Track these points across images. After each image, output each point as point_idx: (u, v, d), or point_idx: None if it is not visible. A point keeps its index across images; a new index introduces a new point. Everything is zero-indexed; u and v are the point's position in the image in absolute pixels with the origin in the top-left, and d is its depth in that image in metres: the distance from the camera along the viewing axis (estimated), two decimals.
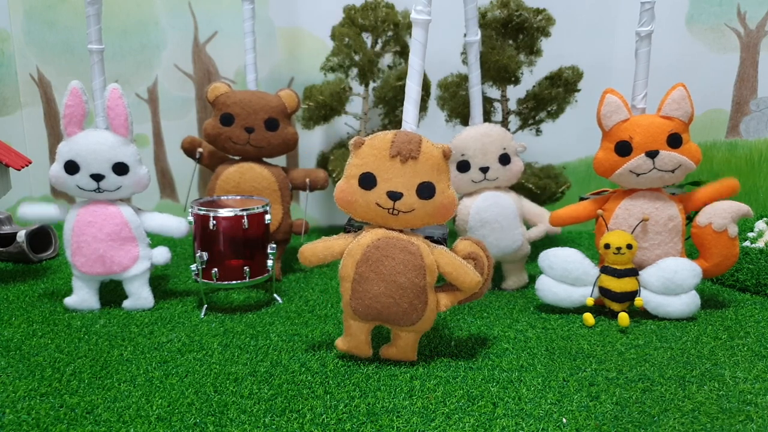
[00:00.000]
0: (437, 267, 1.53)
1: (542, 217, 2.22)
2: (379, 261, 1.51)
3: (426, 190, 1.50)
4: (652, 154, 1.91)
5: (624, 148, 1.94)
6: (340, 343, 1.63)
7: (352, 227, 2.03)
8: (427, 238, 1.60)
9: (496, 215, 2.11)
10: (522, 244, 2.16)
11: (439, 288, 1.60)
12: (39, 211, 2.01)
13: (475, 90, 2.18)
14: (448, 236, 2.15)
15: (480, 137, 2.11)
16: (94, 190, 1.93)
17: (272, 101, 2.27)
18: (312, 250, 1.59)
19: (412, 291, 1.51)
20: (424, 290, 1.53)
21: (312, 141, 3.06)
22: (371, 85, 2.70)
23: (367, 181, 1.50)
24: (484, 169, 2.11)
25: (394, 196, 1.49)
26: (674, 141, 1.91)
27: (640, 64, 1.96)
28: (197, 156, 2.38)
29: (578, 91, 2.52)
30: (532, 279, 2.21)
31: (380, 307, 1.53)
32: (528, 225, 2.24)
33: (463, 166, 2.12)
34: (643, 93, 1.97)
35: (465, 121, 2.50)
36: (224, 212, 1.95)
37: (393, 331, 1.60)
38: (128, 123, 1.91)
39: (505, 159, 2.12)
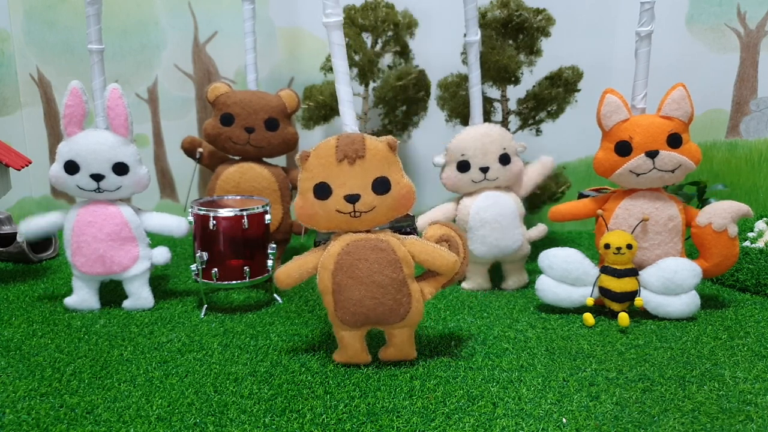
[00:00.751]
0: (412, 257, 1.54)
1: (545, 166, 2.23)
2: (353, 265, 1.50)
3: (381, 186, 1.50)
4: (652, 154, 1.91)
5: (624, 148, 1.94)
6: (337, 356, 1.62)
7: (322, 240, 2.04)
8: (395, 231, 1.60)
9: (496, 215, 2.11)
10: (522, 244, 2.16)
11: (419, 277, 1.60)
12: (41, 224, 1.99)
13: (475, 90, 2.18)
14: (415, 225, 2.15)
15: (480, 137, 2.11)
16: (94, 190, 1.93)
17: (272, 101, 2.27)
18: (286, 273, 1.58)
19: (392, 287, 1.51)
20: (405, 283, 1.53)
21: (312, 141, 3.06)
22: (371, 85, 2.70)
23: (322, 191, 1.50)
24: (484, 169, 2.11)
25: (352, 198, 1.49)
26: (674, 141, 1.91)
27: (640, 64, 1.96)
28: (197, 156, 2.38)
29: (578, 91, 2.52)
30: (532, 279, 2.21)
31: (366, 310, 1.52)
32: (529, 224, 2.23)
33: (464, 166, 2.12)
34: (643, 93, 1.97)
35: (465, 121, 2.50)
36: (224, 212, 1.95)
37: (386, 331, 1.60)
38: (128, 123, 1.91)
39: (505, 159, 2.12)
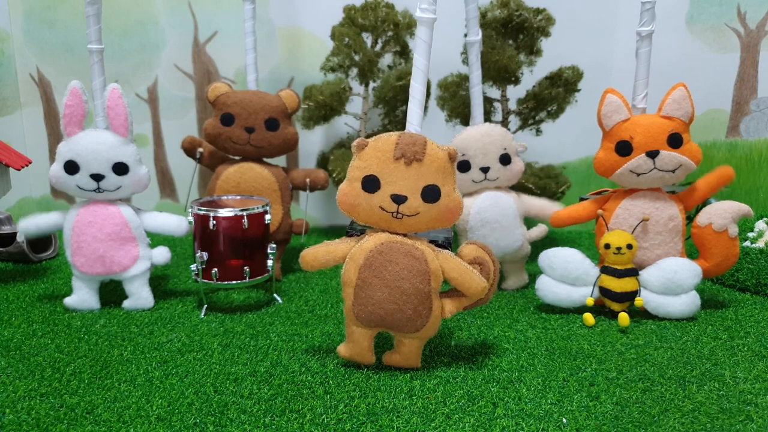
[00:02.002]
0: (442, 272, 1.50)
1: (545, 208, 2.20)
2: (383, 266, 1.48)
3: (431, 194, 1.47)
4: (652, 154, 1.91)
5: (624, 148, 1.94)
6: (342, 349, 1.60)
7: (355, 231, 2.01)
8: (430, 241, 1.57)
9: (496, 215, 2.11)
10: (522, 244, 2.16)
11: (444, 294, 1.57)
12: (40, 223, 1.98)
13: (476, 90, 2.18)
14: (453, 239, 2.13)
15: (481, 137, 2.11)
16: (94, 190, 1.93)
17: (272, 101, 2.27)
18: (313, 255, 1.56)
19: (416, 297, 1.48)
20: (429, 296, 1.50)
21: (312, 141, 3.06)
22: (371, 85, 2.70)
23: (371, 184, 1.47)
24: (485, 169, 2.11)
25: (399, 199, 1.46)
26: (675, 141, 1.91)
27: (641, 64, 1.96)
28: (197, 156, 2.38)
29: (578, 91, 2.52)
30: (532, 279, 2.21)
31: (384, 313, 1.50)
32: (529, 224, 2.23)
33: (464, 166, 2.12)
34: (644, 93, 1.97)
35: (465, 121, 2.50)
36: (224, 212, 1.95)
37: (396, 337, 1.57)
38: (128, 123, 1.91)
39: (505, 159, 2.12)
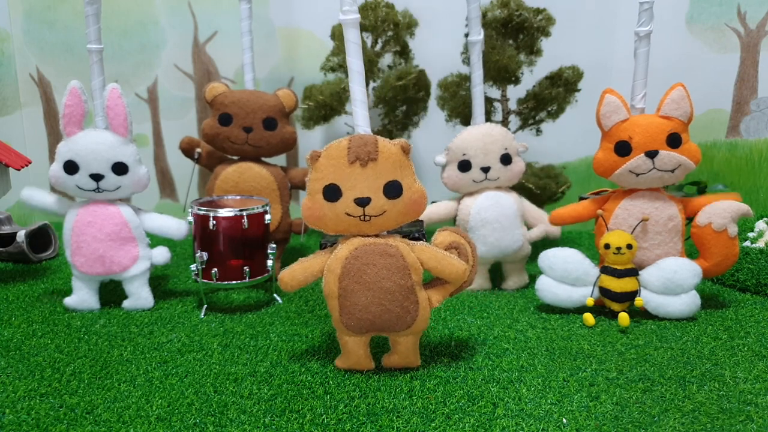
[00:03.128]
0: (421, 264, 1.51)
1: (542, 219, 2.22)
2: (361, 271, 1.47)
3: (393, 190, 1.47)
4: (651, 154, 1.91)
5: (623, 148, 1.94)
6: (339, 362, 1.59)
7: (329, 242, 2.02)
8: (404, 237, 1.57)
9: (497, 215, 2.11)
10: (523, 244, 2.16)
11: (427, 284, 1.57)
12: (40, 199, 2.00)
13: (477, 90, 2.18)
14: (425, 230, 2.14)
15: (481, 137, 2.11)
16: (94, 190, 1.93)
17: (270, 101, 2.27)
18: (291, 275, 1.54)
19: (400, 294, 1.48)
20: (413, 290, 1.50)
21: (312, 141, 3.06)
22: (371, 85, 2.70)
23: (332, 192, 1.47)
24: (486, 169, 2.11)
25: (362, 202, 1.46)
26: (674, 141, 1.91)
27: (639, 64, 1.96)
28: (195, 156, 2.38)
29: (578, 91, 2.52)
30: (532, 279, 2.21)
31: (372, 317, 1.49)
32: (527, 227, 2.24)
33: (465, 166, 2.12)
34: (642, 93, 1.97)
35: (465, 121, 2.50)
36: (224, 212, 1.95)
37: (390, 338, 1.57)
38: (127, 123, 1.91)
39: (506, 159, 2.12)
